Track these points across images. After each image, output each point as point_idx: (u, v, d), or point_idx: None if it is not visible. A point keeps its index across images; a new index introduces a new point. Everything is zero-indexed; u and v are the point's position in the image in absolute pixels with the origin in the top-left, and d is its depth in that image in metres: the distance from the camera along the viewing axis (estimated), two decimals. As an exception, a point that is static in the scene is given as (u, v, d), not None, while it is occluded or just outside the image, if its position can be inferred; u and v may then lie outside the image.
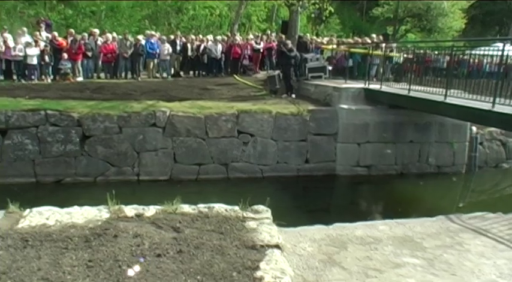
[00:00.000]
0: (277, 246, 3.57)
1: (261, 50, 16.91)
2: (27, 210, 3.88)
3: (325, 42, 17.74)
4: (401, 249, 4.38)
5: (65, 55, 14.28)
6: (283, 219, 4.33)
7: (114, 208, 3.99)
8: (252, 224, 3.95)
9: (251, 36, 18.11)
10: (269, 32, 20.60)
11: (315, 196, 10.67)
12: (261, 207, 4.36)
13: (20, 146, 10.05)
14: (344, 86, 12.66)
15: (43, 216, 3.77)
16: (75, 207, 3.99)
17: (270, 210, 4.28)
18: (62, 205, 4.08)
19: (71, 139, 10.22)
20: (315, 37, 20.04)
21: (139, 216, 3.92)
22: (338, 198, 11.27)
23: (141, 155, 10.62)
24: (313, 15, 24.74)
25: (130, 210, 4.02)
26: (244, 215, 4.16)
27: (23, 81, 13.65)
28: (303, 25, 25.23)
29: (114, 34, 16.31)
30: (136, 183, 10.47)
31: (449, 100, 9.47)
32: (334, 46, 16.92)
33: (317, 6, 17.87)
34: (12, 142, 10.01)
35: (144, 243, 3.38)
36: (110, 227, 3.61)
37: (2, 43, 13.75)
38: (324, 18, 24.21)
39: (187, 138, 10.82)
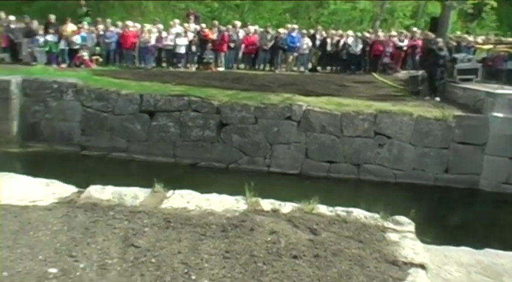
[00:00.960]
0: (421, 266, 3.18)
1: (404, 48, 15.92)
2: (171, 191, 4.01)
3: (480, 41, 16.05)
4: None
5: (210, 45, 15.03)
6: (416, 232, 3.89)
7: (252, 200, 3.93)
8: (393, 236, 3.59)
9: (394, 32, 17.15)
10: (414, 28, 19.33)
11: (453, 211, 9.68)
12: (402, 218, 3.96)
13: (164, 128, 10.85)
14: (500, 91, 11.26)
15: (184, 200, 3.85)
16: (214, 194, 4.01)
17: (413, 224, 3.87)
18: (196, 188, 4.14)
19: (209, 125, 10.73)
20: (466, 35, 18.27)
21: (275, 211, 3.81)
22: (481, 218, 10.06)
23: (273, 147, 10.72)
24: (469, 11, 22.48)
25: (267, 204, 3.93)
26: (385, 225, 3.81)
27: (171, 68, 14.74)
28: (452, 22, 23.25)
29: (256, 27, 16.76)
30: (266, 174, 10.57)
31: None
32: (491, 46, 15.20)
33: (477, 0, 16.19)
34: (158, 124, 10.86)
35: (280, 242, 3.25)
36: (246, 219, 3.55)
37: (156, 33, 14.99)
38: (479, 14, 21.92)
39: (321, 135, 10.62)
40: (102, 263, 2.76)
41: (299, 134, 10.66)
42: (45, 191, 3.93)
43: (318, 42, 15.98)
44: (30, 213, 3.41)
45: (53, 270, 2.64)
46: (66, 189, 4.03)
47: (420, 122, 10.66)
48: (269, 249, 3.13)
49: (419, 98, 12.47)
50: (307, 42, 15.53)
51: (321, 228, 3.55)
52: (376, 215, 3.94)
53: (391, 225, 3.81)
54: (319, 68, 16.17)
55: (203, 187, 4.30)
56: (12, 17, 15.46)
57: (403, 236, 3.61)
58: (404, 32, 17.46)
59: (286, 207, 3.92)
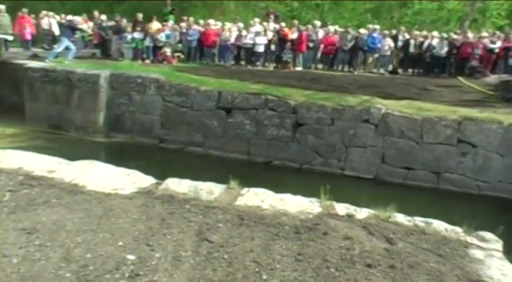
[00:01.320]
0: (510, 290, 2.93)
1: (496, 50, 14.84)
2: (245, 189, 4.03)
3: None
4: None
5: (289, 45, 15.01)
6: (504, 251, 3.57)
7: (326, 203, 3.85)
8: (477, 254, 3.34)
9: (485, 33, 16.04)
10: (508, 29, 17.95)
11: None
12: (488, 234, 3.67)
13: (240, 126, 10.97)
14: None
15: (258, 198, 3.85)
16: (288, 195, 3.97)
17: (501, 242, 3.57)
18: (268, 186, 4.14)
19: (284, 125, 10.69)
20: None
21: (350, 216, 3.70)
22: None
23: (349, 150, 10.46)
24: None
25: (341, 208, 3.83)
26: (468, 240, 3.55)
27: (249, 67, 14.92)
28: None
29: (336, 27, 16.49)
30: (340, 177, 10.34)
31: None
32: None
33: None
34: (234, 121, 11.01)
35: (355, 248, 3.14)
36: (320, 222, 3.48)
37: (236, 32, 15.24)
38: None
39: (400, 140, 10.18)
40: (177, 254, 2.83)
41: (376, 138, 10.31)
42: (126, 181, 4.11)
43: (400, 43, 15.39)
44: (112, 200, 3.59)
45: (131, 257, 2.74)
46: (146, 180, 4.19)
47: (511, 131, 9.88)
48: (342, 255, 3.04)
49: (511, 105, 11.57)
50: (388, 43, 15.01)
51: (398, 238, 3.40)
52: (458, 229, 3.70)
53: (475, 241, 3.56)
54: (400, 70, 15.55)
55: (276, 186, 4.28)
56: (103, 16, 16.51)
57: (489, 254, 3.35)
58: (498, 33, 16.27)
59: (362, 213, 3.79)
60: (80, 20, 15.13)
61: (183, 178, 4.19)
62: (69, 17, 16.04)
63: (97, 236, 2.96)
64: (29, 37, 16.36)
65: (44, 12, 17.37)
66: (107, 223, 3.16)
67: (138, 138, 11.82)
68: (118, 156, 10.10)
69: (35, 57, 14.25)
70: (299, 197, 3.95)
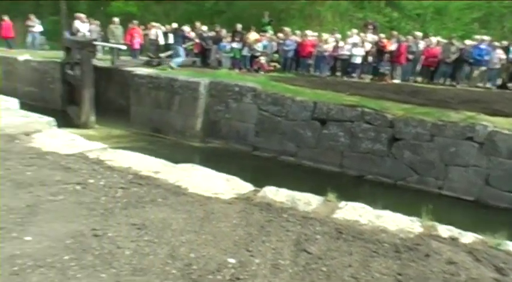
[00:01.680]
0: None
1: None
2: (343, 202, 3.97)
3: None
4: None
5: (387, 56, 14.61)
6: None
7: (428, 223, 3.67)
8: None
9: None
10: None
11: None
12: None
13: (334, 137, 10.86)
14: None
15: (356, 212, 3.78)
16: (387, 211, 3.85)
17: None
18: (361, 201, 4.04)
19: (380, 139, 10.38)
20: None
21: (454, 240, 3.48)
22: None
23: (448, 168, 9.86)
24: None
25: (444, 230, 3.61)
26: None
27: (345, 78, 14.74)
28: None
29: (439, 38, 15.72)
30: (437, 196, 9.79)
31: None
32: None
33: None
34: (328, 132, 10.93)
35: (460, 274, 2.95)
36: (422, 243, 3.32)
37: (333, 43, 15.17)
38: None
39: (508, 161, 9.38)
40: (276, 262, 2.86)
41: (480, 158, 9.60)
42: (225, 186, 4.25)
43: (511, 56, 14.28)
44: (213, 204, 3.73)
45: (232, 260, 2.83)
46: (244, 187, 4.30)
47: None
48: (447, 280, 2.87)
49: None
50: (499, 55, 13.98)
51: (509, 269, 3.13)
52: None
53: None
54: (510, 85, 14.40)
55: (369, 201, 4.17)
56: (204, 27, 17.33)
57: None
58: None
59: (467, 237, 3.55)
60: (188, 29, 16.02)
61: (274, 186, 4.24)
62: (174, 25, 17.04)
63: (200, 237, 3.09)
64: (137, 46, 17.68)
65: (152, 23, 18.64)
66: (209, 226, 3.29)
67: (232, 145, 12.20)
68: (213, 161, 10.41)
69: (148, 64, 15.32)
70: (398, 215, 3.81)
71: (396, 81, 14.47)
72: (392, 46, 14.76)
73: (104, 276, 2.58)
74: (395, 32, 16.16)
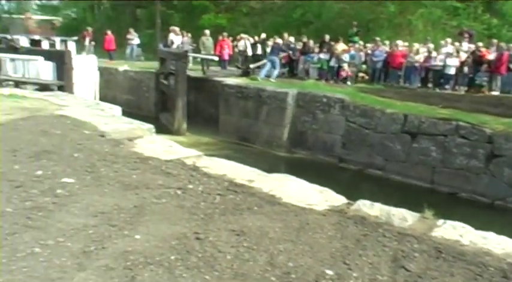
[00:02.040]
0: None
1: None
2: (441, 220, 3.82)
3: None
4: None
5: (485, 67, 13.77)
6: None
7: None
8: None
9: None
10: None
11: None
12: None
13: (425, 152, 10.45)
14: None
15: (456, 232, 3.62)
16: (491, 233, 3.64)
17: None
18: (453, 219, 3.83)
19: (476, 155, 9.81)
20: None
21: None
22: None
23: (555, 190, 9.09)
24: None
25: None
26: None
27: (437, 90, 14.10)
28: None
29: (546, 46, 14.51)
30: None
31: None
32: None
33: None
34: (419, 146, 10.55)
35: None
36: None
37: (425, 53, 14.60)
38: None
39: None
40: (373, 277, 2.84)
41: None
42: (319, 197, 4.27)
43: None
44: (307, 215, 3.77)
45: (330, 272, 2.85)
46: (337, 199, 4.28)
47: None
48: (562, 310, 2.67)
49: None
50: None
51: None
52: None
53: None
54: None
55: (462, 221, 3.96)
56: (292, 38, 17.51)
57: None
58: None
59: None
60: (281, 41, 16.28)
61: (361, 199, 4.18)
62: (263, 35, 17.41)
63: (297, 247, 3.15)
64: (226, 57, 18.32)
65: (241, 35, 19.22)
66: (305, 236, 3.33)
67: (318, 156, 12.19)
68: (299, 171, 10.45)
69: (244, 75, 15.76)
70: (504, 237, 3.59)
71: (495, 93, 13.54)
72: (491, 55, 13.87)
73: (208, 278, 2.72)
74: (495, 40, 15.17)
